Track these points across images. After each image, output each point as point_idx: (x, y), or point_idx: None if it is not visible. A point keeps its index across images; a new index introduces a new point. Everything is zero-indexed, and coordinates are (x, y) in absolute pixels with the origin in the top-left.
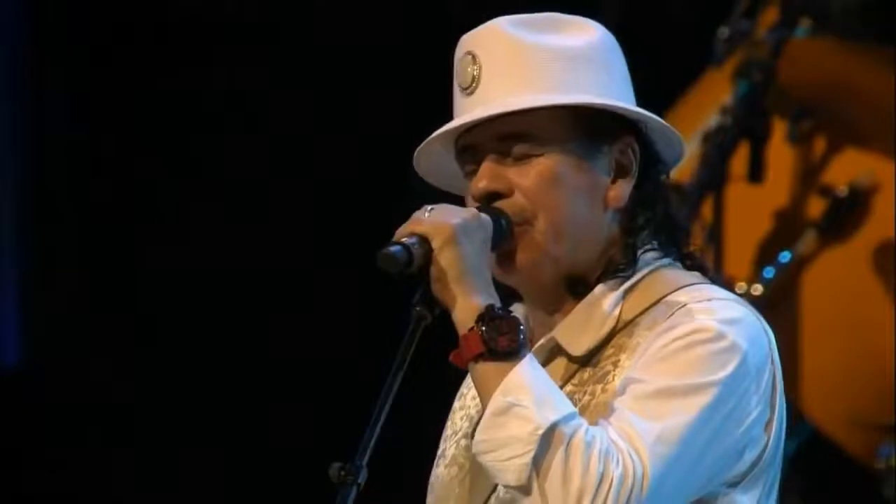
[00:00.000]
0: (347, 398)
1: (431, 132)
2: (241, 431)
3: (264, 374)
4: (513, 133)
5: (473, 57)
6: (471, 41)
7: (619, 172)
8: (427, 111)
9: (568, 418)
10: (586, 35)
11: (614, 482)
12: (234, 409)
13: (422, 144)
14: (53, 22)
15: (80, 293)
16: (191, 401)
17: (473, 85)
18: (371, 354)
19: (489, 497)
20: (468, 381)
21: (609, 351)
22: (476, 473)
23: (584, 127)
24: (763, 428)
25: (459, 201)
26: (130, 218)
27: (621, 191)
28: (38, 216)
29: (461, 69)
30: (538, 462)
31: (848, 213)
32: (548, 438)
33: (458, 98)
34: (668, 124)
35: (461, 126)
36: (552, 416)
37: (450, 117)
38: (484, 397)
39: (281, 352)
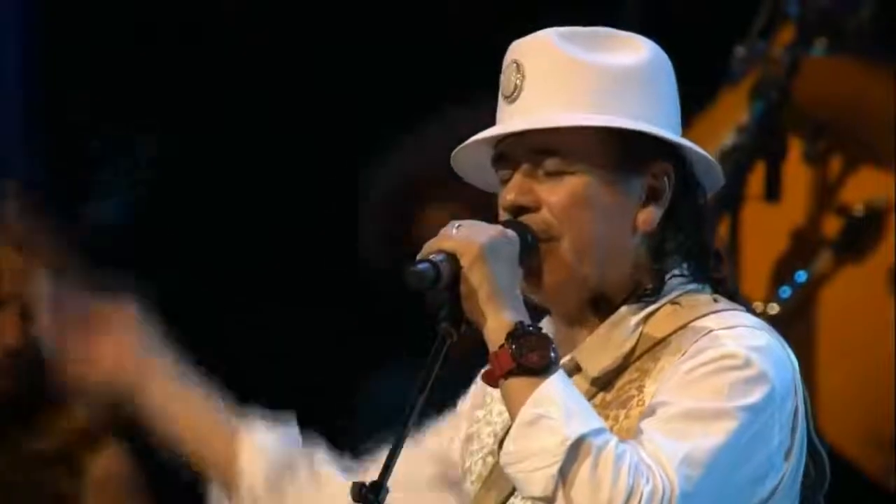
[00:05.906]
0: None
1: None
2: None
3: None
4: (546, 148)
5: (518, 66)
6: (519, 50)
7: (651, 197)
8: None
9: (597, 432)
10: (636, 54)
11: (644, 498)
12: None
13: (458, 147)
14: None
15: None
16: None
17: (515, 94)
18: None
19: None
20: (491, 392)
21: (633, 374)
22: (489, 487)
23: (618, 149)
24: (784, 457)
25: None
26: (139, 224)
27: (651, 215)
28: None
29: (505, 77)
30: (565, 473)
31: (864, 232)
32: (576, 450)
33: (501, 104)
34: (705, 151)
35: (496, 135)
36: (581, 429)
37: (491, 121)
38: (514, 412)
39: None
